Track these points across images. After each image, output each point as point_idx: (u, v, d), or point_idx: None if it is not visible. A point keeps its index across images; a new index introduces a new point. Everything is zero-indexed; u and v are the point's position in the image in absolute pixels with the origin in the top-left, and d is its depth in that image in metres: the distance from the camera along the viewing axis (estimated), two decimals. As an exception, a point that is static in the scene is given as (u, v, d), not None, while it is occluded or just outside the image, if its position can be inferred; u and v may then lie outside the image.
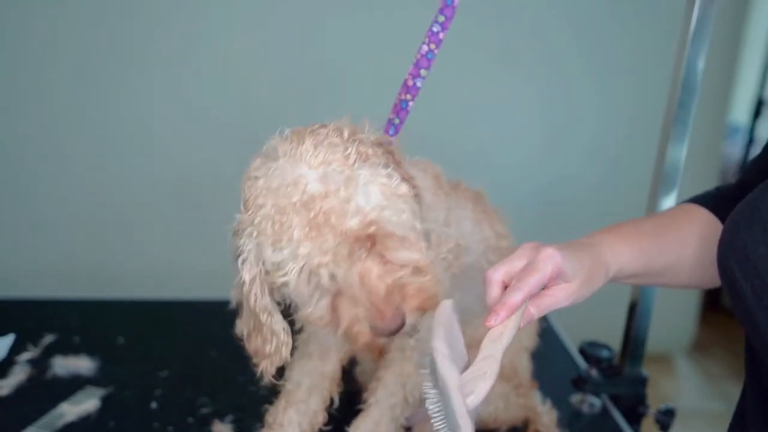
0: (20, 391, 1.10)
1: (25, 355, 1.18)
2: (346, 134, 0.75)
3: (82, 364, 1.17)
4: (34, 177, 2.13)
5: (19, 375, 1.13)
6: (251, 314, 0.79)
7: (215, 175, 2.21)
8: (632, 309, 1.26)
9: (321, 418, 0.98)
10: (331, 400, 0.99)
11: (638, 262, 0.83)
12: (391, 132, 0.91)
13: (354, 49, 2.18)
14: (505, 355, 1.02)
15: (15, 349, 1.19)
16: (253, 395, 1.13)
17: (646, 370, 1.28)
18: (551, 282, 0.74)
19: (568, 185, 2.44)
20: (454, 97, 2.17)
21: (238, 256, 0.75)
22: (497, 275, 0.74)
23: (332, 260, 0.70)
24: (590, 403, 1.22)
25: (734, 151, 3.24)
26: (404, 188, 0.75)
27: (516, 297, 0.71)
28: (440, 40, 0.88)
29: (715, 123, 2.54)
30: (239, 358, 1.23)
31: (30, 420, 1.01)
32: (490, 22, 2.18)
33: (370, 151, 0.75)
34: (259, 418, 1.06)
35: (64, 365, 1.16)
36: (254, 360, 0.83)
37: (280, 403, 0.98)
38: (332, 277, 0.72)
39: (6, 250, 2.15)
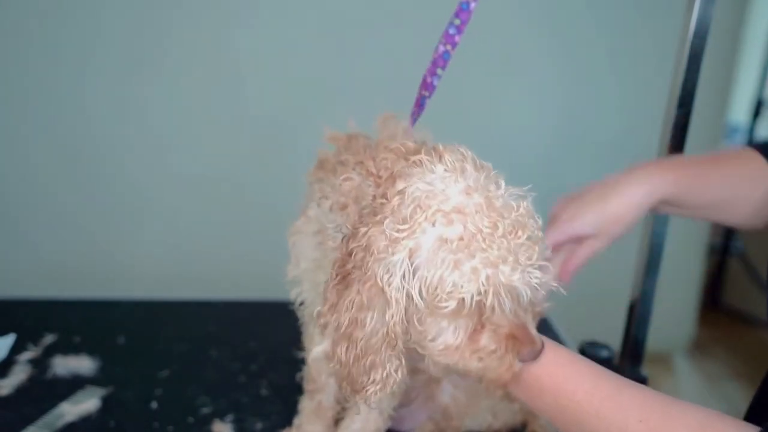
0: (20, 390, 1.09)
1: (26, 355, 1.18)
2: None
3: (83, 364, 1.17)
4: (34, 177, 2.13)
5: (19, 375, 1.13)
6: (366, 339, 0.68)
7: (216, 176, 2.22)
8: (632, 309, 1.26)
9: None
10: None
11: (678, 188, 0.90)
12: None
13: (357, 55, 2.18)
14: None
15: (15, 349, 1.19)
16: (253, 395, 1.13)
17: (645, 370, 1.27)
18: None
19: (566, 183, 2.44)
20: (461, 97, 2.17)
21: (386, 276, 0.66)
22: None
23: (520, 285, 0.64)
24: (590, 403, 1.22)
25: (734, 151, 3.24)
26: None
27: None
28: (456, 43, 0.89)
29: (715, 123, 2.54)
30: (239, 358, 1.24)
31: (30, 420, 1.01)
32: (492, 27, 2.19)
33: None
34: (259, 418, 1.06)
35: (65, 365, 1.16)
36: (338, 382, 0.73)
37: None
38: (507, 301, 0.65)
39: (6, 250, 2.15)
